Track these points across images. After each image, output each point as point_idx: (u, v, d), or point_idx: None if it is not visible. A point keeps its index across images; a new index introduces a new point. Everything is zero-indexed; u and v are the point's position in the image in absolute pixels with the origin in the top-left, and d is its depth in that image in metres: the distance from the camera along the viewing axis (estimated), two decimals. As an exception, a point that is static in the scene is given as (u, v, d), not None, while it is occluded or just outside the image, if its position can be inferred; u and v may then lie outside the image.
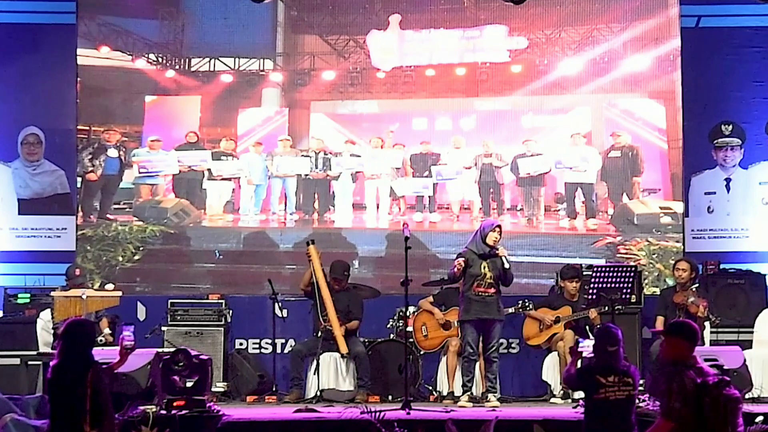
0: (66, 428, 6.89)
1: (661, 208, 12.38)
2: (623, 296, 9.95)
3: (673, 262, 11.24)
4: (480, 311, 9.81)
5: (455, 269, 9.84)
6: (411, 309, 10.51)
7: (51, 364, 7.10)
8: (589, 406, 7.31)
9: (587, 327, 10.51)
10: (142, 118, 12.78)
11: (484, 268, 9.85)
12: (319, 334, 10.47)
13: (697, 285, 10.71)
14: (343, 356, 10.43)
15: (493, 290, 9.86)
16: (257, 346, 11.87)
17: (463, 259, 9.85)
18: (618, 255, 12.16)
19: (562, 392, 10.28)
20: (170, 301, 11.37)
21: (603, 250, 12.27)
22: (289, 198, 12.70)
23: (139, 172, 12.55)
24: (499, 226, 10.00)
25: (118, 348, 7.70)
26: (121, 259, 12.37)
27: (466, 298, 9.89)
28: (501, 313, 9.95)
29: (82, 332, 7.16)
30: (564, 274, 10.79)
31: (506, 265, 9.86)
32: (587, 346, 7.91)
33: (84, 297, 9.86)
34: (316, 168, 12.65)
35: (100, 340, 9.85)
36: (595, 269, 10.20)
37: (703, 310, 10.26)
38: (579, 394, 9.45)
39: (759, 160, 12.24)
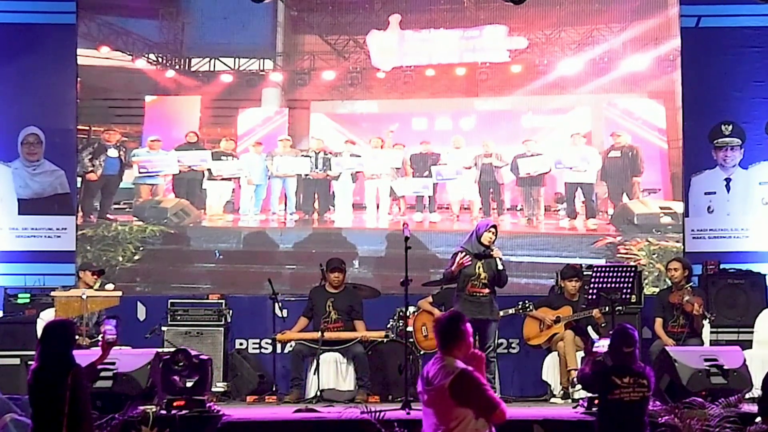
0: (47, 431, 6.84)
1: (661, 208, 12.38)
2: (623, 296, 9.94)
3: (670, 262, 11.26)
4: (474, 311, 9.78)
5: (453, 268, 9.80)
6: (411, 309, 10.51)
7: (31, 368, 7.03)
8: (603, 406, 7.28)
9: (589, 327, 10.52)
10: (142, 118, 12.78)
11: (479, 268, 9.84)
12: (320, 334, 10.48)
13: (691, 284, 10.72)
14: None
15: (487, 290, 9.85)
16: (257, 346, 11.86)
17: (467, 255, 9.80)
18: (618, 255, 12.16)
19: (562, 392, 10.28)
20: (170, 301, 11.36)
21: (603, 250, 12.27)
22: (289, 198, 12.69)
23: (139, 172, 12.55)
24: (495, 226, 9.99)
25: (118, 347, 7.67)
26: (121, 259, 12.37)
27: (460, 298, 9.89)
28: (495, 314, 9.94)
29: (60, 334, 7.04)
30: (564, 273, 10.80)
31: (500, 267, 9.84)
32: (602, 346, 7.91)
33: (84, 297, 9.86)
34: (316, 168, 12.65)
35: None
36: (595, 269, 10.20)
37: (698, 308, 10.29)
38: (579, 394, 9.48)
39: (759, 160, 12.24)
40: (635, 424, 7.11)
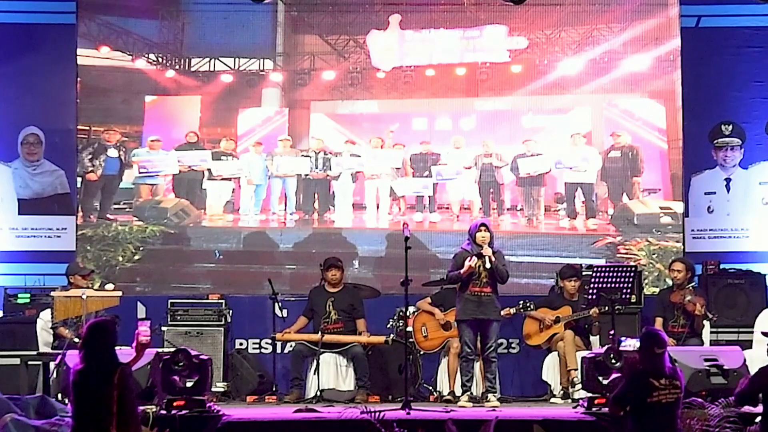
0: (92, 431, 6.83)
1: (661, 208, 12.38)
2: (623, 296, 9.94)
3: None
4: (476, 311, 9.81)
5: (463, 271, 9.78)
6: (411, 309, 10.50)
7: (74, 368, 6.97)
8: (640, 410, 7.12)
9: (587, 326, 10.54)
10: (142, 118, 12.77)
11: (479, 267, 9.84)
12: (320, 334, 10.48)
13: (693, 284, 10.72)
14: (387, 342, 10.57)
15: (489, 289, 9.85)
16: (257, 346, 11.86)
17: (474, 258, 9.78)
18: (618, 255, 12.16)
19: (562, 392, 10.28)
20: (170, 301, 11.37)
21: (603, 250, 12.27)
22: (289, 198, 12.69)
23: (139, 172, 12.54)
24: (484, 225, 9.99)
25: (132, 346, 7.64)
26: (121, 259, 12.37)
27: (462, 297, 9.89)
28: (497, 313, 9.94)
29: (104, 333, 7.02)
30: (563, 273, 10.82)
31: (487, 265, 9.81)
32: (630, 346, 7.81)
33: (84, 297, 9.85)
34: (316, 168, 12.65)
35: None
36: (595, 269, 10.19)
37: (700, 308, 10.29)
38: (579, 394, 9.47)
39: (759, 160, 12.24)
40: (669, 426, 7.06)
